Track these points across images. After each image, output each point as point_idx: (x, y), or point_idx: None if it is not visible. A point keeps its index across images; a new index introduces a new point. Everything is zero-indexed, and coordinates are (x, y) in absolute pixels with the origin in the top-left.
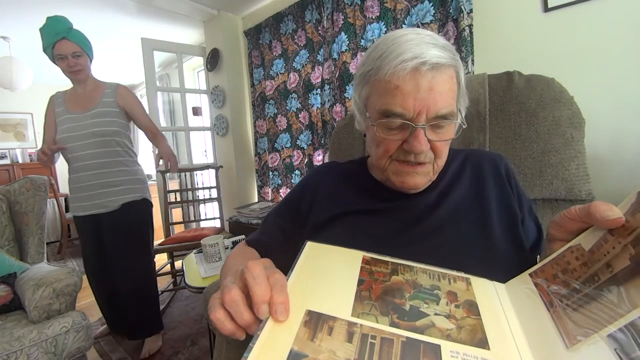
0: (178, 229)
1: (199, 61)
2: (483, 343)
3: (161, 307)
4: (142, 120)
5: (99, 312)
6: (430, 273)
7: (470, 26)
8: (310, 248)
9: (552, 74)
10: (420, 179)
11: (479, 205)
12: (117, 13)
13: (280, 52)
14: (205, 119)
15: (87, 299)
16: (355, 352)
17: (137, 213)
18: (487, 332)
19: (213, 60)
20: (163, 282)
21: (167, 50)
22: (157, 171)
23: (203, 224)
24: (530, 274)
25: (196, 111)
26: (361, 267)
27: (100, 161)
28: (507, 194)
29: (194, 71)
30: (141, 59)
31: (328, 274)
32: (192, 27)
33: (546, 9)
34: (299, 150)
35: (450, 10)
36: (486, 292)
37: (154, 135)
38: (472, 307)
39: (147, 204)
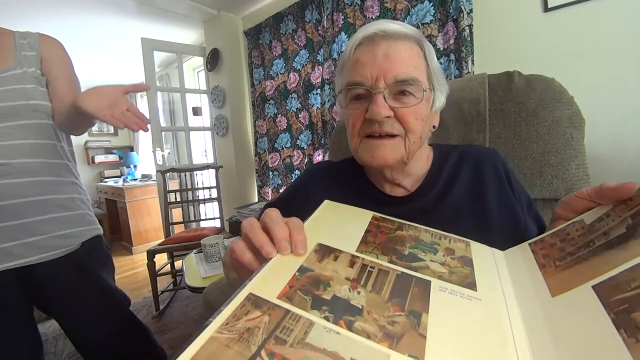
0: (178, 229)
1: (199, 61)
2: (471, 286)
3: (161, 307)
4: (65, 87)
5: None
6: (432, 233)
7: (470, 26)
8: (327, 205)
9: (552, 74)
10: (390, 153)
11: (478, 208)
12: (117, 13)
13: (280, 52)
14: (205, 119)
15: None
16: (355, 274)
17: (104, 257)
18: (476, 278)
19: (213, 60)
20: (163, 282)
21: (167, 50)
22: (157, 171)
23: (203, 224)
24: (529, 244)
25: (196, 111)
26: (370, 221)
27: (39, 162)
28: (507, 195)
29: (194, 71)
30: (141, 59)
31: (340, 223)
32: (192, 27)
33: (546, 9)
34: (299, 150)
35: (450, 10)
36: (483, 253)
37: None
38: (466, 261)
39: (104, 242)
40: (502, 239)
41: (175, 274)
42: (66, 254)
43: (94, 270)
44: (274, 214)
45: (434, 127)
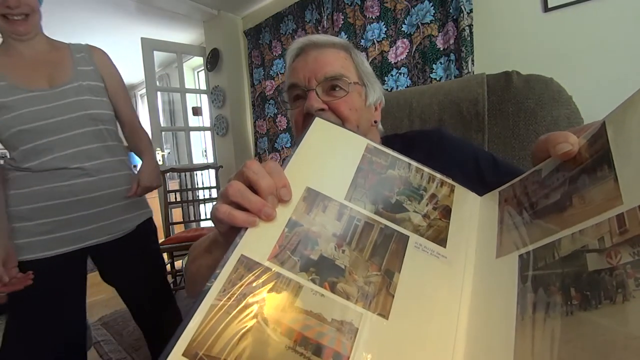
0: (178, 229)
1: (199, 61)
2: (442, 242)
3: None
4: (126, 107)
5: (99, 312)
6: (423, 173)
7: (470, 26)
8: (318, 125)
9: (551, 74)
10: None
11: None
12: (117, 13)
13: (280, 52)
14: (205, 119)
15: (87, 298)
16: (341, 228)
17: (153, 236)
18: (449, 234)
19: (213, 60)
20: None
21: (167, 50)
22: None
23: (203, 224)
24: (500, 191)
25: (196, 111)
26: (363, 155)
27: (102, 162)
28: (453, 168)
29: (194, 71)
30: (141, 59)
31: (331, 156)
32: (192, 27)
33: (546, 9)
34: None
35: (450, 10)
36: (463, 201)
37: (139, 136)
38: (445, 212)
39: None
40: None
41: (176, 274)
42: (126, 234)
43: (147, 246)
44: (254, 165)
45: (375, 122)
